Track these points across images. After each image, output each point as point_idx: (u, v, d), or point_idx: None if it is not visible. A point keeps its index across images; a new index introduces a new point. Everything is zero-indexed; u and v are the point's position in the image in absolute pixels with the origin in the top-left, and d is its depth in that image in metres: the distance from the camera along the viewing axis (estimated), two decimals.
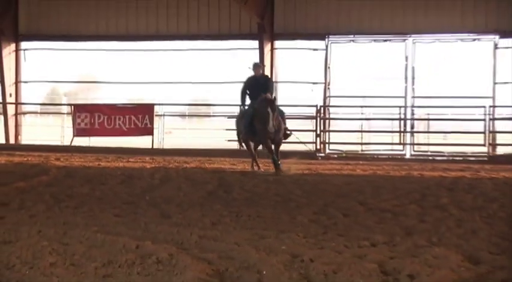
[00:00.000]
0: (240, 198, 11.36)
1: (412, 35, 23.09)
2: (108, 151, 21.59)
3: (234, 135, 22.75)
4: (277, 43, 23.82)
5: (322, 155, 21.71)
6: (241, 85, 16.88)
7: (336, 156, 22.03)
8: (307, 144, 20.96)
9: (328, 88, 23.57)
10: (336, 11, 23.49)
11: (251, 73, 16.90)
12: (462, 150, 22.17)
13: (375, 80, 23.27)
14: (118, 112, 23.85)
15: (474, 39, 22.89)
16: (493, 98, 22.32)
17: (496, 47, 22.55)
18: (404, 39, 23.21)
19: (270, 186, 13.14)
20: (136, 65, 25.36)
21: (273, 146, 16.09)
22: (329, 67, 23.64)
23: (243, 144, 17.22)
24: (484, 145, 21.59)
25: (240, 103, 17.20)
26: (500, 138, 22.08)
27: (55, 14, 25.48)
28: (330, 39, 23.60)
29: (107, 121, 23.67)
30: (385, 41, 23.48)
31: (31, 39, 25.99)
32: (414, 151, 22.62)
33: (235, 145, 22.50)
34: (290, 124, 17.56)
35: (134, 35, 24.93)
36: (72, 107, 24.70)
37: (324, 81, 23.56)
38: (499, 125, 22.12)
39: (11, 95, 25.62)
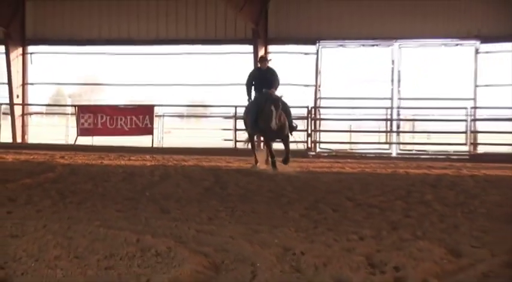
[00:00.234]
0: (235, 195, 11.35)
1: (398, 40, 23.13)
2: (110, 150, 21.57)
3: (229, 134, 22.93)
4: (271, 48, 23.82)
5: (313, 153, 21.72)
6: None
7: (326, 154, 22.04)
8: (298, 144, 20.92)
9: (319, 90, 23.60)
10: (326, 17, 23.52)
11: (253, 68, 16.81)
12: (445, 149, 22.22)
13: (363, 83, 23.30)
14: (120, 113, 23.84)
15: (457, 44, 22.94)
16: (474, 99, 22.36)
17: (477, 51, 22.59)
18: (391, 44, 23.23)
19: (263, 183, 13.13)
20: (137, 68, 25.34)
21: (272, 145, 15.65)
22: (320, 70, 23.67)
23: (248, 138, 16.55)
24: (465, 144, 21.64)
25: (246, 95, 16.22)
26: (481, 138, 22.11)
27: (60, 19, 25.45)
28: (320, 44, 23.63)
29: (109, 121, 23.66)
30: (373, 45, 23.51)
31: (37, 44, 25.96)
32: (400, 150, 22.65)
33: (230, 144, 22.59)
34: None
35: (135, 39, 24.92)
36: (76, 107, 24.70)
37: (314, 83, 23.58)
38: (480, 126, 22.14)
39: (18, 96, 25.58)
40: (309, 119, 22.41)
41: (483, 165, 18.19)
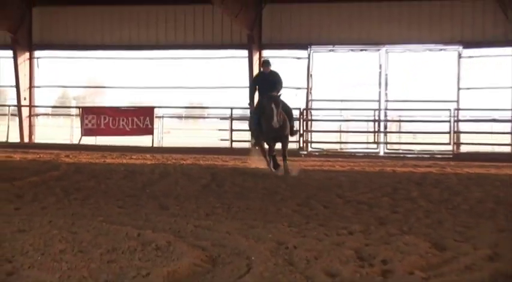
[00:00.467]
0: (231, 192, 11.36)
1: (386, 45, 23.13)
2: (112, 149, 21.54)
3: (226, 135, 22.93)
4: (265, 52, 23.79)
5: (305, 152, 21.70)
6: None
7: (317, 154, 22.02)
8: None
9: (310, 93, 23.59)
10: (317, 24, 23.52)
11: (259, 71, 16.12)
12: (430, 148, 22.24)
13: (352, 86, 23.29)
14: (121, 114, 23.83)
15: (440, 49, 22.96)
16: (457, 102, 22.37)
17: (460, 56, 22.60)
18: (379, 49, 23.25)
19: (258, 180, 13.13)
20: (138, 71, 25.31)
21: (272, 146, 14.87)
22: (311, 74, 23.66)
23: (256, 143, 15.54)
24: (449, 144, 21.64)
25: (248, 99, 15.53)
26: (463, 138, 22.13)
27: (65, 26, 25.42)
28: (311, 49, 23.62)
29: (112, 122, 23.64)
30: (361, 50, 23.51)
31: (43, 49, 25.93)
32: (387, 149, 22.64)
33: (227, 144, 22.59)
34: None
35: (136, 44, 24.90)
36: (80, 109, 24.67)
37: (306, 86, 23.57)
38: (463, 126, 22.16)
39: (25, 99, 25.55)
40: (301, 120, 22.38)
41: (466, 163, 18.22)
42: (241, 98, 23.67)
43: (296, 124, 21.88)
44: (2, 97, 28.64)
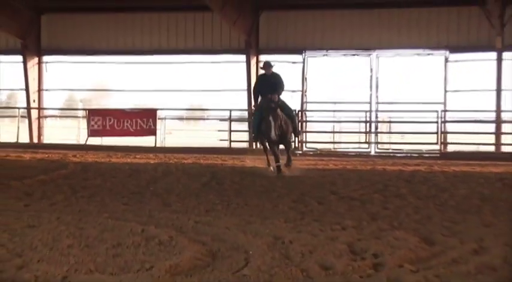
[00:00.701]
0: (230, 189, 11.34)
1: (376, 50, 23.15)
2: (117, 149, 21.52)
3: (225, 135, 22.93)
4: (262, 57, 23.73)
5: (300, 152, 21.68)
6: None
7: (311, 153, 22.02)
8: None
9: (305, 95, 23.60)
10: (311, 30, 23.54)
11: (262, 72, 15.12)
12: (418, 148, 22.26)
13: (345, 89, 23.31)
14: (126, 116, 23.80)
15: (428, 54, 22.97)
16: (444, 103, 22.40)
17: (446, 60, 22.63)
18: (370, 54, 23.26)
19: (256, 179, 13.11)
20: (142, 75, 25.32)
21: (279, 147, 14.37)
22: (306, 77, 23.67)
23: (260, 143, 15.11)
24: (436, 144, 21.66)
25: (254, 101, 15.25)
26: (450, 138, 22.14)
27: (72, 32, 25.40)
28: (306, 53, 23.63)
29: (117, 123, 23.62)
30: (353, 55, 23.53)
31: (52, 54, 25.91)
32: (378, 149, 22.66)
33: (226, 144, 22.59)
34: None
35: (139, 50, 24.90)
36: (87, 111, 24.66)
37: (301, 89, 23.58)
38: (449, 127, 22.17)
39: (34, 101, 25.56)
40: (296, 121, 22.36)
41: (452, 162, 18.23)
42: (239, 101, 23.79)
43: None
44: (13, 100, 28.61)
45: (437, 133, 21.59)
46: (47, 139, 25.54)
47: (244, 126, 23.99)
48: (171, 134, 24.96)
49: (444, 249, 6.24)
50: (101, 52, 25.26)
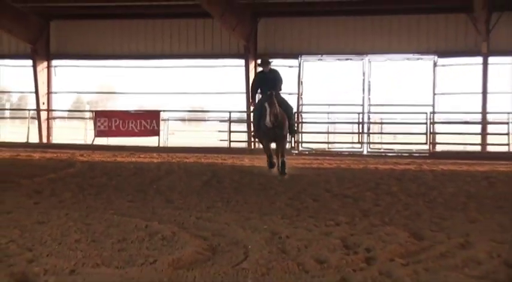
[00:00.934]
0: (229, 187, 11.34)
1: (368, 55, 23.18)
2: (122, 149, 21.52)
3: (224, 136, 22.93)
4: (260, 62, 23.80)
5: (296, 152, 21.70)
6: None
7: (307, 153, 22.03)
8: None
9: (301, 98, 23.62)
10: (307, 35, 23.55)
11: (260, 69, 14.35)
12: (408, 148, 22.29)
13: (339, 91, 23.33)
14: (131, 117, 23.82)
15: (418, 59, 22.99)
16: (433, 105, 22.43)
17: (435, 64, 22.66)
18: (362, 58, 23.28)
19: (254, 177, 13.10)
20: (146, 79, 25.32)
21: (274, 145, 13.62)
22: (301, 81, 23.69)
23: (259, 141, 14.48)
24: (426, 144, 21.67)
25: (250, 98, 14.64)
26: (438, 138, 22.17)
27: (80, 37, 25.40)
28: (302, 58, 23.66)
29: (122, 124, 23.62)
30: (347, 59, 23.55)
31: (60, 58, 25.91)
32: (370, 149, 22.67)
33: (225, 144, 22.59)
34: None
35: (143, 54, 24.90)
36: (93, 112, 24.66)
37: (297, 92, 23.59)
38: (438, 128, 22.20)
39: (43, 103, 25.55)
40: (294, 120, 22.36)
41: (441, 161, 18.24)
42: (238, 103, 23.81)
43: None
44: (23, 102, 28.63)
45: (426, 134, 21.60)
46: (56, 139, 25.52)
47: (243, 127, 24.03)
48: (174, 135, 24.97)
49: (433, 244, 6.24)
50: (107, 57, 25.27)
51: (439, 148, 22.03)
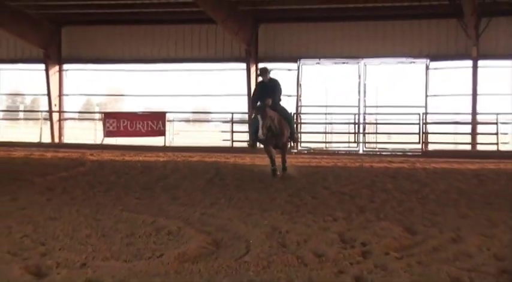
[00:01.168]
0: (232, 185, 11.34)
1: (364, 59, 23.17)
2: (130, 148, 21.52)
3: (227, 136, 22.92)
4: (261, 65, 23.67)
5: (295, 151, 21.68)
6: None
7: (306, 152, 22.03)
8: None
9: (300, 99, 23.62)
10: (305, 40, 23.54)
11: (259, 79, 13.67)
12: (402, 147, 22.26)
13: (336, 93, 23.31)
14: (138, 118, 23.82)
15: (411, 62, 22.99)
16: (426, 107, 22.41)
17: (427, 68, 22.64)
18: (358, 62, 23.27)
19: (255, 175, 13.10)
20: (152, 81, 25.32)
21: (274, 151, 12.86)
22: (300, 83, 23.68)
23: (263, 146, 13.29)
24: (418, 143, 21.64)
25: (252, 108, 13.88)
26: (431, 138, 22.13)
27: (90, 42, 25.41)
28: (301, 62, 23.65)
29: (130, 125, 23.62)
30: (343, 63, 23.55)
31: (71, 62, 25.92)
32: (366, 148, 22.66)
33: (228, 143, 22.58)
34: None
35: (150, 58, 24.91)
36: (103, 114, 24.67)
37: (296, 94, 23.60)
38: (430, 128, 22.17)
39: (55, 105, 25.58)
40: (294, 126, 22.34)
41: (433, 160, 18.22)
42: (240, 104, 23.81)
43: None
44: (36, 104, 28.64)
45: (419, 133, 21.58)
46: (67, 139, 25.53)
47: (245, 127, 23.98)
48: (179, 135, 24.95)
49: (425, 238, 6.25)
50: (115, 61, 25.28)
51: (431, 147, 21.98)
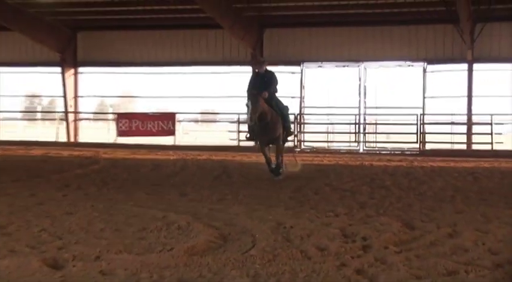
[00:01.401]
0: (238, 182, 11.34)
1: (364, 62, 23.13)
2: (141, 147, 21.56)
3: (234, 135, 22.92)
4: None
5: (299, 150, 21.67)
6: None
7: (308, 150, 22.01)
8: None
9: (303, 101, 23.61)
10: (308, 44, 23.53)
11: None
12: (400, 146, 22.23)
13: (337, 95, 23.29)
14: (149, 118, 23.86)
15: (409, 65, 22.94)
16: (423, 108, 22.36)
17: (424, 71, 22.60)
18: (358, 65, 23.24)
19: (261, 172, 13.08)
20: (163, 84, 25.33)
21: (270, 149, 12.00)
22: (303, 85, 23.68)
23: (249, 139, 12.50)
24: (416, 142, 21.61)
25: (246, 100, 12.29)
26: (428, 138, 22.09)
27: (104, 47, 25.46)
28: (304, 65, 23.63)
29: (141, 125, 23.66)
30: (344, 66, 23.51)
31: (86, 65, 25.97)
32: (366, 147, 22.63)
33: (235, 142, 22.57)
34: None
35: (161, 61, 24.93)
36: (116, 114, 24.71)
37: (299, 95, 23.59)
38: (427, 128, 22.12)
39: (71, 106, 25.65)
40: (296, 123, 22.37)
41: (430, 158, 18.20)
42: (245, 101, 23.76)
43: (291, 126, 21.87)
44: (52, 105, 28.71)
45: (416, 133, 21.54)
46: (82, 139, 25.59)
47: None
48: (188, 134, 24.97)
49: (423, 233, 6.22)
50: (128, 64, 25.29)
51: (428, 147, 21.92)
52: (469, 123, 21.95)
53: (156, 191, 9.73)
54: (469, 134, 21.84)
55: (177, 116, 23.94)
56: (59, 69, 25.62)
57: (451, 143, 22.25)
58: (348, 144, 23.04)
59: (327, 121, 23.85)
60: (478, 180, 11.87)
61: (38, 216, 7.13)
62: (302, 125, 23.19)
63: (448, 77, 22.64)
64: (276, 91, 12.07)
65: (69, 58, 25.49)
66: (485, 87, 21.94)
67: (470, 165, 15.84)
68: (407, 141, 21.98)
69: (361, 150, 22.23)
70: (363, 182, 11.23)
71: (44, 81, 26.75)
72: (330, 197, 9.26)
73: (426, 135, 21.94)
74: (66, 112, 25.49)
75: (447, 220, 7.03)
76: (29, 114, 29.04)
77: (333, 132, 23.81)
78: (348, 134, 23.34)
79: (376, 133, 23.61)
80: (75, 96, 25.82)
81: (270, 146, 12.09)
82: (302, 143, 22.72)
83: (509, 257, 5.22)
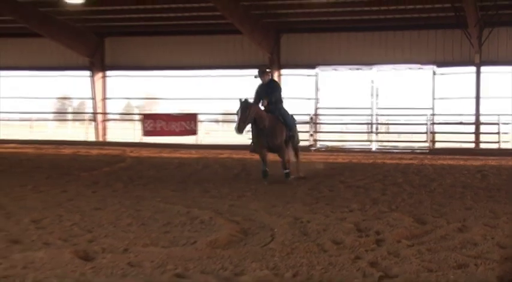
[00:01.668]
0: (257, 179, 11.32)
1: (376, 65, 23.02)
2: (165, 146, 21.63)
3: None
4: (283, 71, 23.79)
5: (314, 148, 21.62)
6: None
7: (323, 149, 21.94)
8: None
9: (318, 102, 23.56)
10: (323, 48, 23.46)
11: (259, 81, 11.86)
12: (411, 145, 22.11)
13: (351, 97, 23.20)
14: (173, 119, 23.91)
15: (419, 68, 22.79)
16: (433, 109, 22.23)
17: (434, 73, 22.45)
18: (371, 68, 23.13)
19: (278, 170, 13.03)
20: (185, 86, 25.41)
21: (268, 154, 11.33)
22: (318, 88, 23.62)
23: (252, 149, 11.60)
24: (426, 141, 21.49)
25: None
26: (437, 137, 21.95)
27: (130, 51, 25.56)
28: (319, 68, 23.57)
29: (165, 125, 23.73)
30: (357, 69, 23.41)
31: (113, 69, 26.11)
32: (378, 146, 22.52)
33: None
34: None
35: (184, 65, 24.96)
36: (142, 115, 24.82)
37: (315, 97, 23.55)
38: (437, 128, 21.99)
39: (99, 108, 25.81)
40: (311, 123, 22.35)
41: (439, 157, 18.06)
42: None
43: (306, 127, 21.83)
44: (82, 107, 28.93)
45: (426, 133, 21.42)
46: (110, 138, 25.74)
47: None
48: (209, 134, 25.02)
49: (434, 228, 6.20)
50: (153, 68, 25.39)
51: (438, 145, 21.78)
52: (477, 123, 21.79)
53: (180, 188, 9.77)
54: (477, 133, 21.69)
55: (199, 117, 23.98)
56: (88, 73, 25.83)
57: (459, 142, 22.07)
58: (361, 143, 22.96)
59: (341, 121, 23.78)
60: (486, 178, 11.76)
61: (69, 211, 7.20)
62: (317, 125, 23.14)
63: (457, 79, 22.48)
64: (281, 101, 11.45)
65: (97, 62, 25.67)
66: (493, 88, 21.78)
67: (478, 163, 15.69)
68: (418, 140, 21.86)
69: (373, 149, 22.12)
70: (376, 179, 11.18)
71: (74, 84, 26.96)
72: (344, 193, 9.23)
73: (436, 134, 21.80)
74: (94, 113, 25.68)
75: (457, 215, 6.99)
76: (60, 115, 29.27)
77: (346, 132, 23.74)
78: (361, 134, 23.25)
79: (388, 133, 23.50)
80: (103, 98, 25.99)
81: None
82: (317, 142, 22.66)
83: None
